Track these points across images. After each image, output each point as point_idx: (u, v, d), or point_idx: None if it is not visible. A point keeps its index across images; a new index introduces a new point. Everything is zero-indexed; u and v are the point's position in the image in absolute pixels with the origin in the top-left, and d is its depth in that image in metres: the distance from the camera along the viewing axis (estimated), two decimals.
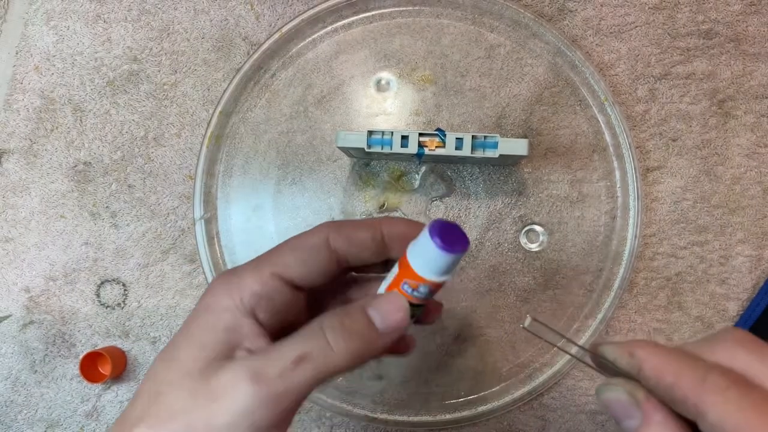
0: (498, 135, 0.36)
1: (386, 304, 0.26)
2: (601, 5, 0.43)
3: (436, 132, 0.37)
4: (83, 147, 0.44)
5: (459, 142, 0.37)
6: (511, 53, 0.43)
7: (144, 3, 0.44)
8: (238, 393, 0.23)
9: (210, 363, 0.24)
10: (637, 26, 0.43)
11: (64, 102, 0.45)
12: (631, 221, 0.41)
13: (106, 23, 0.45)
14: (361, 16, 0.43)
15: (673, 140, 0.42)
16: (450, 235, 0.25)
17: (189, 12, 0.44)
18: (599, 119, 0.42)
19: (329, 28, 0.43)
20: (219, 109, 0.43)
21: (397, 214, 0.42)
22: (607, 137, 0.42)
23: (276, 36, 0.43)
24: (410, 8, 0.43)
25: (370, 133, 0.37)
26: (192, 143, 0.44)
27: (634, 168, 0.41)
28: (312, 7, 0.43)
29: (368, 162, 0.43)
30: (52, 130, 0.44)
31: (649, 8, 0.43)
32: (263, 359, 0.24)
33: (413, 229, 0.28)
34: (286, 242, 0.27)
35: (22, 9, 0.45)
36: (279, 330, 0.27)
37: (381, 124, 0.43)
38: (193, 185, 0.43)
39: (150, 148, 0.44)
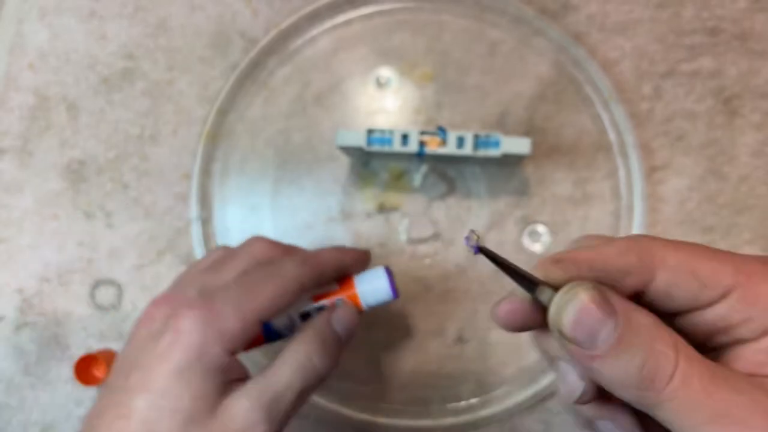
0: (500, 133, 0.36)
1: (344, 314, 0.32)
2: (605, 1, 0.42)
3: (437, 130, 0.36)
4: (77, 146, 0.44)
5: (460, 140, 0.36)
6: (513, 50, 0.42)
7: None
8: (255, 427, 0.27)
9: (213, 404, 0.27)
10: (641, 23, 0.42)
11: (59, 100, 0.44)
12: (635, 221, 0.40)
13: (101, 20, 0.44)
14: (360, 12, 0.43)
15: (679, 139, 0.42)
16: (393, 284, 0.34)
17: (185, 8, 0.44)
18: (603, 117, 0.41)
19: (328, 24, 0.43)
20: (216, 107, 0.42)
21: (397, 214, 0.41)
22: (612, 136, 0.41)
23: (274, 33, 0.42)
24: (410, 4, 0.43)
25: (370, 131, 0.36)
26: (188, 142, 0.43)
27: (639, 167, 0.40)
28: (310, 3, 0.42)
29: (368, 161, 0.42)
30: (46, 129, 0.44)
31: (653, 5, 0.42)
32: (263, 386, 0.28)
33: (346, 259, 0.34)
34: (261, 273, 0.31)
35: (16, 6, 0.44)
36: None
37: (381, 122, 0.42)
38: (189, 185, 0.42)
39: (145, 147, 0.43)
